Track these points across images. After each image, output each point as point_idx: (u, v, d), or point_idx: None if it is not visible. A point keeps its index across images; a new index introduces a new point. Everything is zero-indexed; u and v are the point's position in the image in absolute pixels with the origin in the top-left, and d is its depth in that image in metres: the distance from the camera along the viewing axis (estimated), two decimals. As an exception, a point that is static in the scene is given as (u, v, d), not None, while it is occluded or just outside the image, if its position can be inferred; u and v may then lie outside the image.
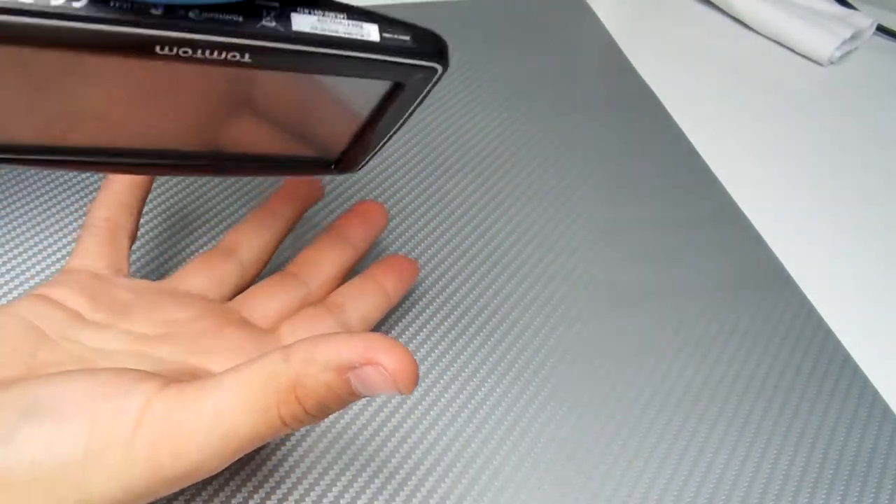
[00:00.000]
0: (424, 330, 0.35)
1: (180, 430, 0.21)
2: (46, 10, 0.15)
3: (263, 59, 0.17)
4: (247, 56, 0.17)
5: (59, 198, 0.38)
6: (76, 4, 0.15)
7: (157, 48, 0.16)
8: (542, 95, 0.50)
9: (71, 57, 0.16)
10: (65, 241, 0.36)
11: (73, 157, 0.21)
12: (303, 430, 0.30)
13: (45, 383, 0.21)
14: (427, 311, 0.36)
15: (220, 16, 0.16)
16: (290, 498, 0.28)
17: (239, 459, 0.29)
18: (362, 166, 0.26)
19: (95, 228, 0.29)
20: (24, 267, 0.34)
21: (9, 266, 0.34)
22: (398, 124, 0.23)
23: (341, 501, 0.28)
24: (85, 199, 0.38)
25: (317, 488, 0.29)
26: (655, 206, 0.43)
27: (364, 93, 0.21)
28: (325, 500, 0.28)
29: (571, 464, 0.31)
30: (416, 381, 0.21)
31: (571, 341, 0.35)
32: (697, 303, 0.38)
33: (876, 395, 0.35)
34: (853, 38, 0.58)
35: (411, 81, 0.21)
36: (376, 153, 0.25)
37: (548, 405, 0.33)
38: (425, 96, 0.21)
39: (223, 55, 0.17)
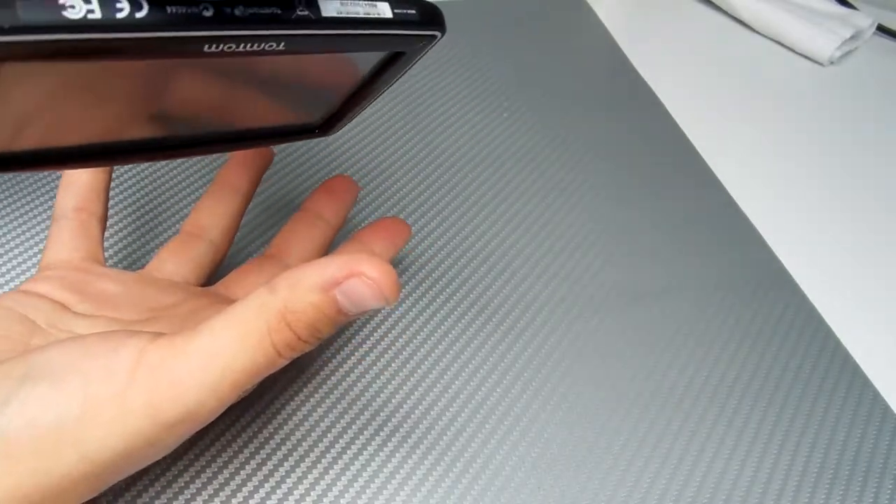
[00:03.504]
0: (425, 330, 0.35)
1: (175, 373, 0.21)
2: (117, 23, 0.16)
3: (297, 44, 0.18)
4: (282, 45, 0.18)
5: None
6: (139, 14, 0.16)
7: (206, 47, 0.17)
8: (542, 95, 0.50)
9: (125, 63, 0.17)
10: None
11: (90, 155, 0.21)
12: (306, 424, 0.30)
13: (40, 353, 0.22)
14: (427, 310, 0.36)
15: (261, 9, 0.17)
16: (295, 492, 0.28)
17: (240, 459, 0.29)
18: (342, 128, 0.26)
19: (66, 220, 0.29)
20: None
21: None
22: (388, 86, 0.24)
23: (342, 501, 0.28)
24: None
25: (317, 487, 0.29)
26: (655, 205, 0.43)
27: (367, 60, 0.23)
28: (327, 497, 0.28)
29: (571, 464, 0.31)
30: (399, 289, 0.21)
31: (571, 341, 0.35)
32: (697, 302, 0.38)
33: (876, 395, 0.35)
34: (853, 38, 0.58)
35: (414, 49, 0.22)
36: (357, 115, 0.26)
37: (548, 405, 0.33)
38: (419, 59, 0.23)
39: (262, 46, 0.17)
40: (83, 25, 0.15)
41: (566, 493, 0.30)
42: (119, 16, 0.16)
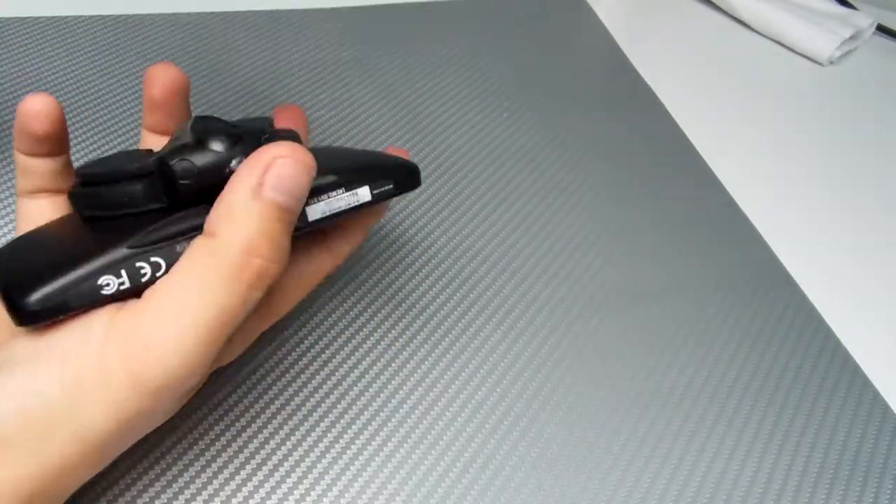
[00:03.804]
0: (425, 329, 0.35)
1: (147, 336, 0.20)
2: (142, 284, 0.22)
3: (302, 234, 0.24)
4: (297, 234, 0.23)
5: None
6: (158, 273, 0.22)
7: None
8: (542, 95, 0.50)
9: None
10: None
11: None
12: (307, 423, 0.30)
13: (10, 342, 0.22)
14: (427, 310, 0.36)
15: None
16: (295, 492, 0.28)
17: (240, 462, 0.29)
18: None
19: (31, 198, 0.28)
20: None
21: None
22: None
23: (342, 501, 0.28)
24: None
25: (317, 487, 0.29)
26: (655, 205, 0.43)
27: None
28: (327, 497, 0.28)
29: (571, 464, 0.31)
30: (310, 152, 0.21)
31: (571, 341, 0.35)
32: (697, 302, 0.38)
33: (876, 395, 0.35)
34: (853, 38, 0.58)
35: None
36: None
37: (548, 405, 0.33)
38: None
39: (297, 233, 0.23)
40: (116, 294, 0.21)
41: (566, 493, 0.30)
42: (144, 280, 0.21)
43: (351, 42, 0.51)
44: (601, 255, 0.40)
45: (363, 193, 0.25)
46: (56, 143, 0.25)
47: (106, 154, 0.39)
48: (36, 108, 0.24)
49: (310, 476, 0.29)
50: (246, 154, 0.22)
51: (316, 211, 0.24)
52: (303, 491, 0.28)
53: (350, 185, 0.24)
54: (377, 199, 0.25)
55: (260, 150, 0.21)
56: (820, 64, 0.58)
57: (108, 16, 0.49)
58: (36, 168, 0.25)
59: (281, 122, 0.29)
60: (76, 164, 0.39)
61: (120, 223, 0.22)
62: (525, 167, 0.44)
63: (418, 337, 0.34)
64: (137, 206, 0.22)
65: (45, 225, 0.25)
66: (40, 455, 0.20)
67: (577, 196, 0.43)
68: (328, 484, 0.29)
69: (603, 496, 0.30)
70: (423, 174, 0.43)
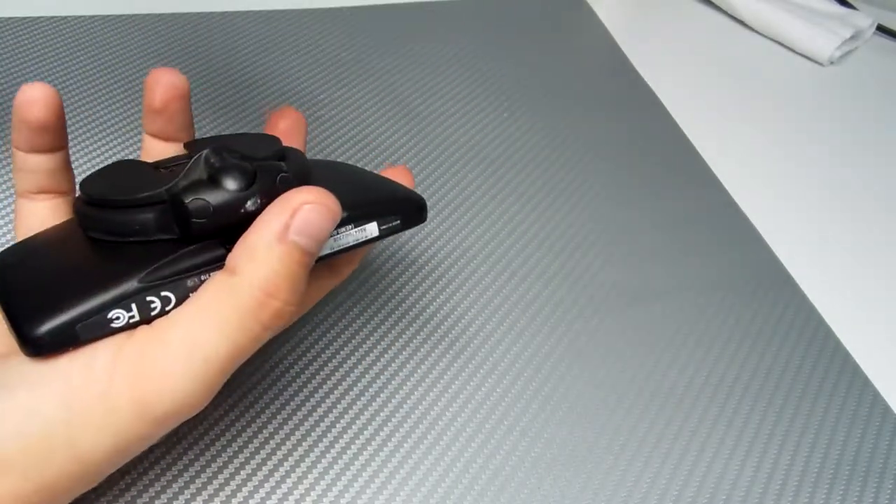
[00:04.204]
0: (425, 329, 0.35)
1: (158, 366, 0.20)
2: (151, 318, 0.22)
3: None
4: None
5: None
6: (168, 307, 0.22)
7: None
8: (542, 95, 0.50)
9: None
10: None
11: None
12: (307, 423, 0.30)
13: (13, 359, 0.21)
14: (427, 310, 0.36)
15: None
16: (295, 492, 0.28)
17: (243, 460, 0.29)
18: None
19: (28, 200, 0.28)
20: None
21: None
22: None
23: (342, 501, 0.28)
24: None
25: (317, 487, 0.29)
26: (655, 205, 0.43)
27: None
28: (327, 497, 0.28)
29: (571, 464, 0.31)
30: (333, 196, 0.22)
31: (571, 341, 0.35)
32: (697, 302, 0.38)
33: (876, 395, 0.35)
34: (853, 38, 0.58)
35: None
36: None
37: (548, 405, 0.33)
38: None
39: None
40: (124, 327, 0.21)
41: (566, 493, 0.30)
42: (153, 314, 0.21)
43: (351, 42, 0.51)
44: (601, 255, 0.40)
45: (371, 229, 0.25)
46: (54, 135, 0.25)
47: (107, 159, 0.40)
48: (34, 96, 0.24)
49: (310, 476, 0.29)
50: (262, 194, 0.22)
51: (324, 247, 0.24)
52: (303, 491, 0.28)
53: (359, 222, 0.24)
54: (384, 235, 0.25)
55: (289, 193, 0.21)
56: (820, 64, 0.58)
57: (109, 16, 0.49)
58: (34, 165, 0.25)
59: (279, 128, 0.29)
60: (76, 165, 0.39)
61: (128, 250, 0.22)
62: (525, 167, 0.44)
63: (418, 336, 0.34)
64: (147, 235, 0.22)
65: (48, 235, 0.25)
66: (38, 476, 0.20)
67: (577, 196, 0.43)
68: (328, 484, 0.29)
69: (603, 496, 0.30)
70: (422, 174, 0.43)
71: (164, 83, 0.26)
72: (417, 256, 0.38)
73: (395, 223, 0.25)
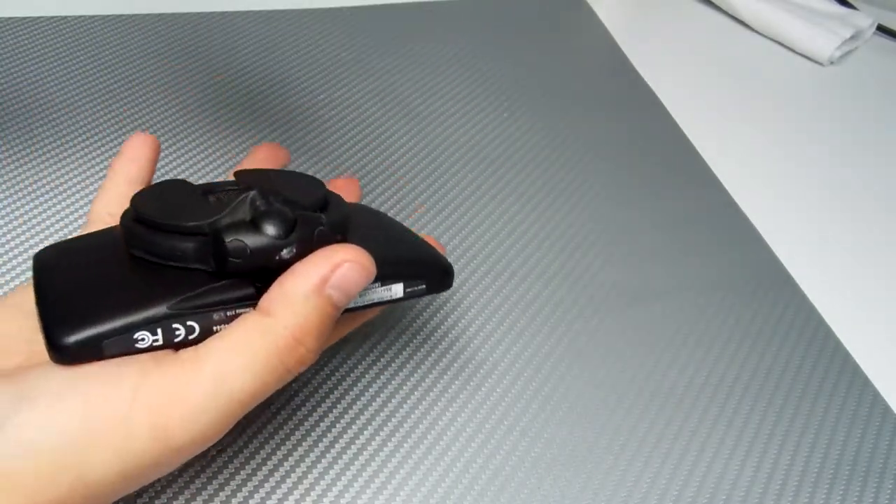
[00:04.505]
0: (425, 329, 0.35)
1: (183, 397, 0.21)
2: (175, 344, 0.22)
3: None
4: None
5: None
6: (192, 336, 0.22)
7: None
8: (542, 95, 0.50)
9: None
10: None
11: None
12: (306, 423, 0.30)
13: (35, 371, 0.21)
14: (427, 310, 0.36)
15: None
16: (295, 492, 0.28)
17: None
18: None
19: (100, 223, 0.29)
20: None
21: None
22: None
23: (342, 501, 0.28)
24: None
25: (317, 487, 0.29)
26: (655, 205, 0.43)
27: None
28: (327, 497, 0.28)
29: (571, 464, 0.31)
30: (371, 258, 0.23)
31: (571, 341, 0.35)
32: (697, 303, 0.38)
33: (876, 395, 0.35)
34: (853, 38, 0.58)
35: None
36: None
37: (548, 405, 0.33)
38: None
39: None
40: (147, 349, 0.22)
41: (566, 493, 0.30)
42: (176, 340, 0.22)
43: (350, 42, 0.51)
44: (601, 255, 0.40)
45: (396, 290, 0.26)
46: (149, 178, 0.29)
47: (106, 159, 0.40)
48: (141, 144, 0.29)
49: (310, 476, 0.29)
50: (299, 243, 0.23)
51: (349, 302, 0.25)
52: (303, 491, 0.28)
53: (385, 281, 0.25)
54: (407, 297, 0.26)
55: (331, 248, 0.23)
56: (820, 64, 0.58)
57: (109, 16, 0.49)
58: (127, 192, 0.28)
59: (337, 190, 0.30)
60: (76, 164, 0.39)
61: (163, 274, 0.23)
62: (525, 167, 0.44)
63: (418, 336, 0.34)
64: (185, 263, 0.23)
65: (91, 241, 0.26)
66: (42, 497, 0.20)
67: (577, 196, 0.43)
68: (328, 484, 0.29)
69: (603, 496, 0.30)
70: (422, 174, 0.43)
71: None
72: (417, 256, 0.38)
73: (420, 287, 0.26)
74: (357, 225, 0.26)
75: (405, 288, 0.26)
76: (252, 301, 0.23)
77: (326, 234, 0.23)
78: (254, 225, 0.22)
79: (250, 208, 0.23)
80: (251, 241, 0.22)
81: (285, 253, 0.22)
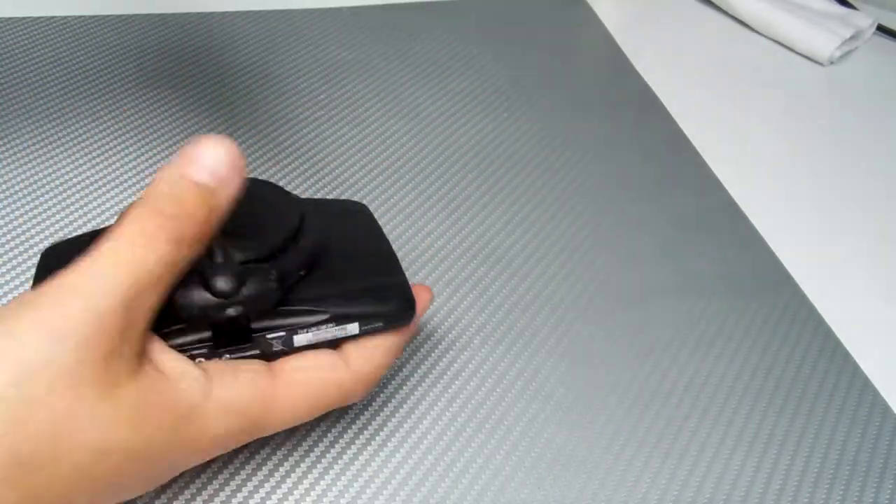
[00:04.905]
0: (424, 329, 0.35)
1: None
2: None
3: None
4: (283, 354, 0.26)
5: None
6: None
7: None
8: (542, 95, 0.50)
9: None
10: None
11: None
12: (306, 423, 0.30)
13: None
14: (427, 310, 0.35)
15: (244, 352, 0.25)
16: (295, 492, 0.28)
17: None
18: None
19: None
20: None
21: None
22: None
23: (341, 501, 0.28)
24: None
25: (317, 487, 0.29)
26: (655, 206, 0.43)
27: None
28: (327, 497, 0.28)
29: (571, 464, 0.31)
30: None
31: (572, 341, 0.35)
32: (697, 303, 0.38)
33: (876, 395, 0.35)
34: (853, 38, 0.58)
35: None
36: None
37: (548, 405, 0.33)
38: None
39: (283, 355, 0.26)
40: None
41: (566, 493, 0.30)
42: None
43: (351, 42, 0.51)
44: (601, 255, 0.40)
45: (351, 328, 0.26)
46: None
47: (106, 158, 0.40)
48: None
49: (310, 476, 0.29)
50: (247, 302, 0.23)
51: (302, 339, 0.25)
52: (303, 491, 0.28)
53: (340, 321, 0.25)
54: (364, 333, 0.26)
55: (190, 145, 0.22)
56: (820, 64, 0.58)
57: (108, 16, 0.49)
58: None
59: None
60: (75, 164, 0.39)
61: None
62: (525, 167, 0.44)
63: (418, 336, 0.34)
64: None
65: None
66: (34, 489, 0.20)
67: (576, 196, 0.43)
68: (328, 484, 0.29)
69: (603, 496, 0.30)
70: (422, 174, 0.43)
71: None
72: (417, 256, 0.38)
73: (377, 325, 0.26)
74: (332, 253, 0.26)
75: (361, 326, 0.26)
76: (207, 343, 0.23)
77: (272, 294, 0.23)
78: (203, 280, 0.23)
79: (203, 262, 0.23)
80: (198, 297, 0.23)
81: (231, 311, 0.23)
